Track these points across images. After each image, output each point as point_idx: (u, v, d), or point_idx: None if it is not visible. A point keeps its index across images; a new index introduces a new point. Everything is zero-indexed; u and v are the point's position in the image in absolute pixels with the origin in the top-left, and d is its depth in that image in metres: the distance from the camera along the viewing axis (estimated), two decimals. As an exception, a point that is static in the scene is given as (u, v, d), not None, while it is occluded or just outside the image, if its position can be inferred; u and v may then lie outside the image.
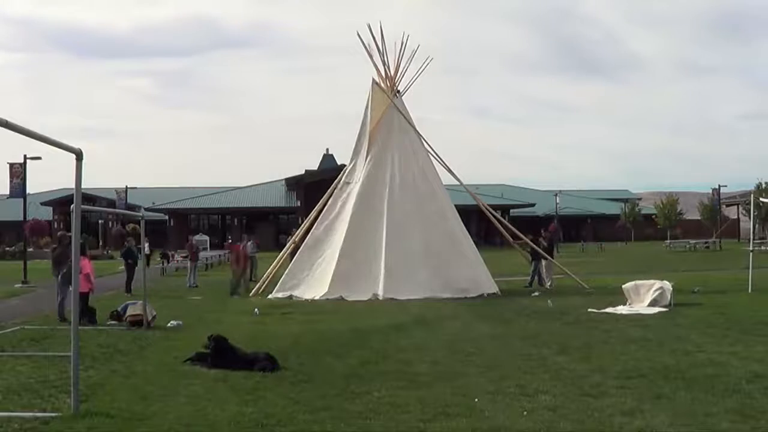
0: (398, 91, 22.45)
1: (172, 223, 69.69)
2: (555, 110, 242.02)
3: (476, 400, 7.66)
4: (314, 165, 69.87)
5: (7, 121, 6.20)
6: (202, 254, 42.44)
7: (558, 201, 71.14)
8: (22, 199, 34.71)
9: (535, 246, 23.44)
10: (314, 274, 20.81)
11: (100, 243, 60.55)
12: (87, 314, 14.78)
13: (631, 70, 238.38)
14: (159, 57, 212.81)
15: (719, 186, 66.66)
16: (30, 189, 37.84)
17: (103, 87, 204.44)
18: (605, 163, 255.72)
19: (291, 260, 22.36)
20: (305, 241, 21.98)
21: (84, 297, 14.78)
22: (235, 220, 71.87)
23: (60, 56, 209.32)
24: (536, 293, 20.44)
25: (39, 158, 32.55)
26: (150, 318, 14.41)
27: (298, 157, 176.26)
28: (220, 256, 45.66)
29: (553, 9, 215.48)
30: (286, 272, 21.58)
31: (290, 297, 20.27)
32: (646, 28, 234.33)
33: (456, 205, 22.96)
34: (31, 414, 7.27)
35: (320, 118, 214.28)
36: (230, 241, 26.12)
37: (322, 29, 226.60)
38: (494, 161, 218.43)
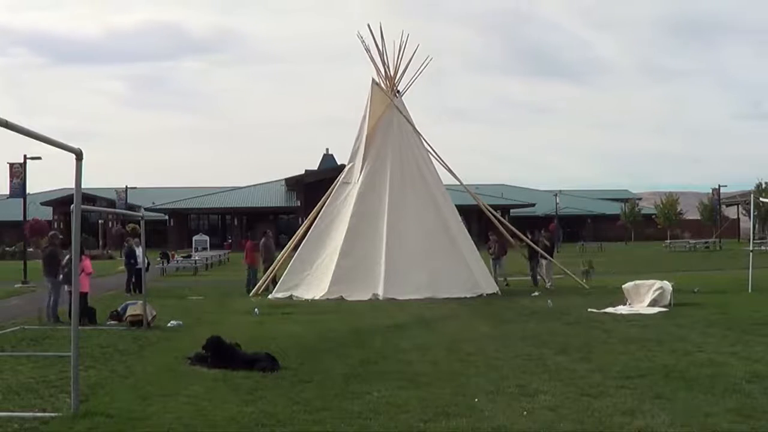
0: (398, 91, 22.46)
1: (172, 223, 69.68)
2: (531, 112, 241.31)
3: (476, 400, 7.66)
4: (314, 165, 69.92)
5: (7, 121, 6.20)
6: (201, 254, 42.56)
7: (558, 201, 71.12)
8: (22, 199, 34.72)
9: (535, 246, 23.45)
10: (314, 274, 20.80)
11: (100, 243, 60.53)
12: (87, 314, 14.78)
13: (598, 74, 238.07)
14: (139, 61, 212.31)
15: (719, 186, 66.71)
16: (30, 189, 37.85)
17: (84, 91, 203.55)
18: (594, 164, 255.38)
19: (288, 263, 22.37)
20: (305, 240, 21.98)
21: (83, 297, 14.78)
22: (235, 220, 71.86)
23: (33, 60, 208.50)
24: (536, 293, 20.44)
25: (39, 158, 32.59)
26: (150, 318, 14.41)
27: (298, 157, 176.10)
28: (220, 256, 45.70)
29: (513, 14, 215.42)
30: (286, 272, 21.58)
31: (290, 297, 20.28)
32: (608, 32, 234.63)
33: (456, 205, 22.98)
34: (31, 414, 7.27)
35: (313, 121, 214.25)
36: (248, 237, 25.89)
37: (287, 36, 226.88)
38: (474, 162, 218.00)
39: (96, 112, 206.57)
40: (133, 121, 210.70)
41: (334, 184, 22.61)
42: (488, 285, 21.01)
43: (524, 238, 24.06)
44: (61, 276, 15.71)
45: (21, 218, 37.44)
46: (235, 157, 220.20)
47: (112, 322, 15.02)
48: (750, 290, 19.18)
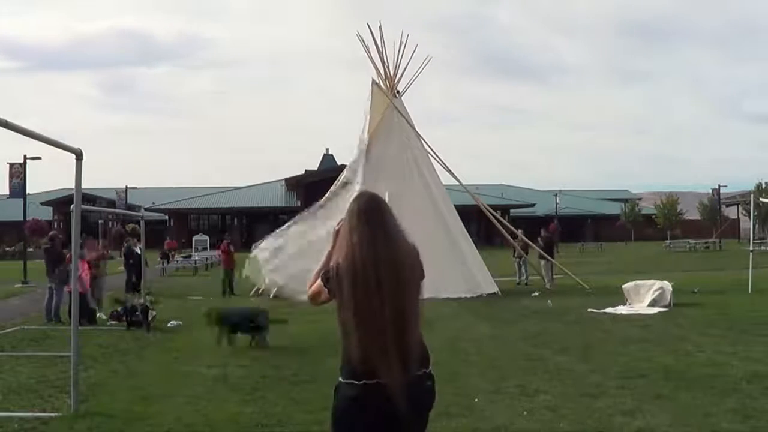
0: (398, 92, 22.45)
1: (172, 223, 69.66)
2: (506, 114, 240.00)
3: (476, 400, 7.66)
4: (314, 165, 69.95)
5: (7, 122, 6.20)
6: (202, 254, 42.54)
7: (558, 201, 71.12)
8: (22, 199, 34.72)
9: (531, 243, 23.46)
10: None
11: (100, 243, 60.44)
12: (86, 314, 14.77)
13: (561, 76, 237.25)
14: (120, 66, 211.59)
15: (719, 186, 66.76)
16: (30, 189, 37.89)
17: (62, 95, 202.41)
18: (583, 164, 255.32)
19: None
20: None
21: (82, 297, 14.76)
22: (235, 220, 71.85)
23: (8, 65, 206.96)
24: (536, 293, 20.44)
25: (39, 158, 32.59)
26: (150, 318, 14.40)
27: (298, 157, 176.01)
28: (220, 255, 45.66)
29: (471, 18, 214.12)
30: (285, 272, 21.52)
31: (290, 297, 20.21)
32: (574, 37, 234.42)
33: (456, 205, 22.96)
34: (31, 414, 7.27)
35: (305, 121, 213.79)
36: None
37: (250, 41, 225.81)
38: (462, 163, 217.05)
39: (75, 116, 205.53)
40: (117, 123, 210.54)
41: (334, 185, 22.59)
42: (488, 285, 20.99)
43: (524, 238, 24.07)
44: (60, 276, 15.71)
45: (21, 218, 37.46)
46: (235, 158, 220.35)
47: (112, 322, 15.02)
48: (750, 290, 19.15)
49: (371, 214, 3.49)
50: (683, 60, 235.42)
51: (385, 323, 3.17)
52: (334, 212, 21.44)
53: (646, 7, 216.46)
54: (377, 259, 3.26)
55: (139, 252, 18.79)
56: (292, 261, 20.80)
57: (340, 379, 3.37)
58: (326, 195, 22.47)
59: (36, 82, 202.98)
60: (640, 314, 15.07)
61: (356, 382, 3.26)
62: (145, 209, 57.55)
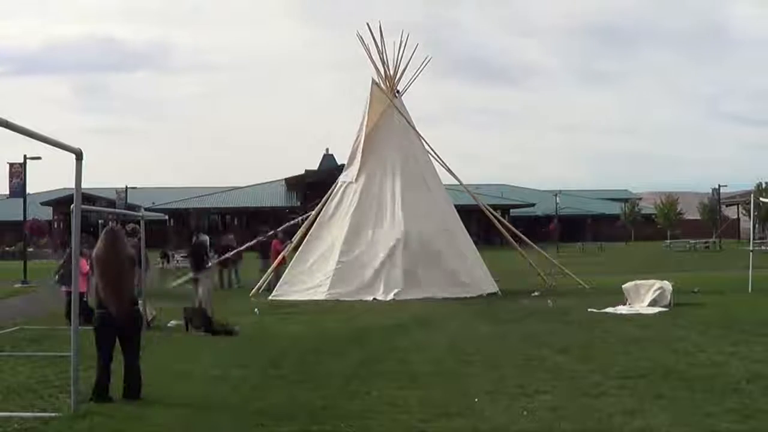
0: (398, 91, 22.46)
1: (172, 223, 69.58)
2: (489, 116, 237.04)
3: (476, 400, 7.67)
4: (314, 165, 69.91)
5: (7, 122, 6.21)
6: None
7: (558, 201, 71.09)
8: (22, 199, 34.72)
9: (534, 245, 23.47)
10: (314, 275, 20.79)
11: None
12: (85, 314, 14.72)
13: (532, 78, 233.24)
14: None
15: (719, 186, 66.71)
16: (30, 189, 37.86)
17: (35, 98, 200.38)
18: (577, 165, 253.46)
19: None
20: (305, 241, 21.96)
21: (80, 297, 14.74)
22: (235, 220, 71.81)
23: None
24: (536, 293, 20.43)
25: (39, 158, 32.57)
26: (150, 318, 14.39)
27: (298, 157, 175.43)
28: (220, 255, 45.60)
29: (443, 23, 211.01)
30: (285, 272, 21.57)
31: (290, 297, 20.24)
32: (536, 38, 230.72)
33: (456, 205, 22.96)
34: (31, 414, 7.27)
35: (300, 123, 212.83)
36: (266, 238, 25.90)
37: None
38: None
39: (64, 118, 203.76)
40: (114, 125, 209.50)
41: (334, 185, 22.61)
42: (488, 285, 21.00)
43: (524, 237, 24.09)
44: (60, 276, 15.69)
45: (21, 218, 37.45)
46: (235, 158, 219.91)
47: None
48: (750, 290, 19.16)
49: (108, 239, 7.83)
50: (648, 62, 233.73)
51: (114, 282, 7.68)
52: (336, 220, 21.51)
53: (619, 9, 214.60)
54: (109, 255, 7.74)
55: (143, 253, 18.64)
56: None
57: (96, 310, 7.98)
58: (324, 198, 22.49)
59: (18, 86, 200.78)
60: (640, 314, 15.07)
61: (102, 311, 7.77)
62: (145, 209, 57.48)
